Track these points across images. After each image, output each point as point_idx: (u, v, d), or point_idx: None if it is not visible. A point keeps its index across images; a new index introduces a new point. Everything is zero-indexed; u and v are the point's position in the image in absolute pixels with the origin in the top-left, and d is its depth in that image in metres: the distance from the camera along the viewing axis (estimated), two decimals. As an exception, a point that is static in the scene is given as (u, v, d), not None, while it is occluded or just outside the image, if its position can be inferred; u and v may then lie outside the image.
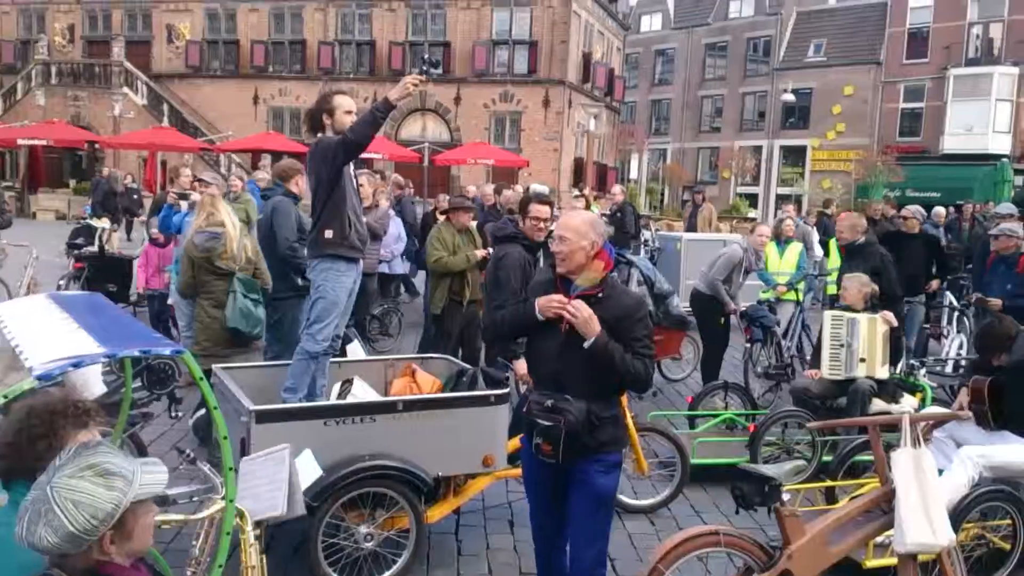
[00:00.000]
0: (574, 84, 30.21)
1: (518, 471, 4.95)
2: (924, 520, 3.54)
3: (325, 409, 4.10)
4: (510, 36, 29.97)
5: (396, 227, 9.46)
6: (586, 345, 3.25)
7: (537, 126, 29.60)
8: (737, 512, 3.74)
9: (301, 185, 6.68)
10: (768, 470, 3.60)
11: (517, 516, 5.18)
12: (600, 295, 3.35)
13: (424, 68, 4.54)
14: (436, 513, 4.39)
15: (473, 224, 7.74)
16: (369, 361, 5.68)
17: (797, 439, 6.12)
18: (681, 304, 8.78)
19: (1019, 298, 7.36)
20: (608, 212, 12.94)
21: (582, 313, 3.24)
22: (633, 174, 36.65)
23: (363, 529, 4.08)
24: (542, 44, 29.49)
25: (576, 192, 17.81)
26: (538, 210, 5.63)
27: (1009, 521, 4.55)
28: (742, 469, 3.75)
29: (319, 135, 4.75)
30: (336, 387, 4.76)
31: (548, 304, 3.31)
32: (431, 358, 5.48)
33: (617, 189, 14.13)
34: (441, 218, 8.51)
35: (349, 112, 4.71)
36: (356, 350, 6.03)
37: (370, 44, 30.98)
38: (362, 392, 4.56)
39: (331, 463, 3.89)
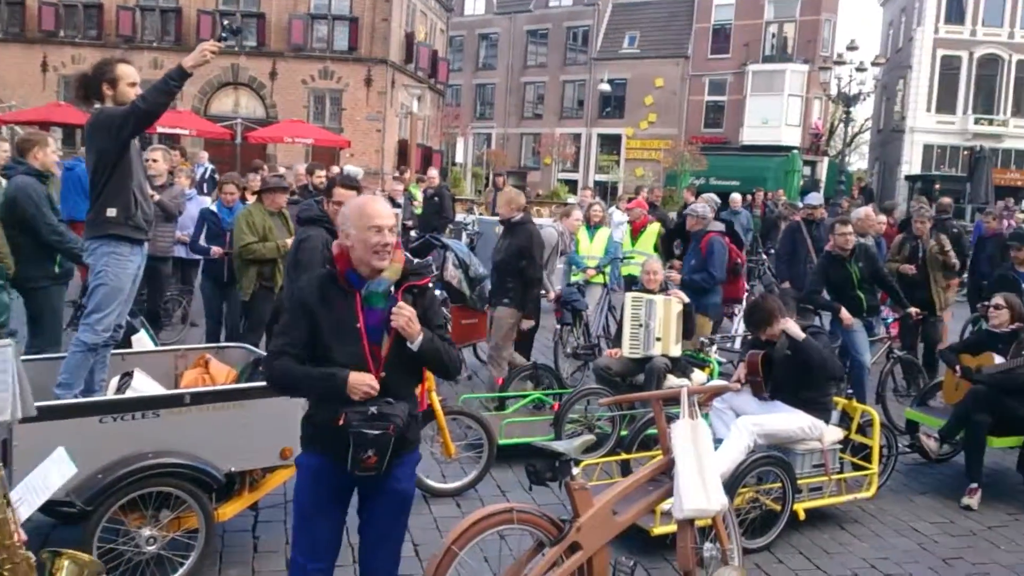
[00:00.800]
0: (397, 64, 29.86)
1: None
2: (700, 487, 3.77)
3: (99, 405, 3.83)
4: (329, 11, 29.18)
5: (196, 207, 8.96)
6: (414, 347, 3.08)
7: (359, 105, 29.05)
8: (530, 489, 3.85)
9: (43, 158, 5.89)
10: (559, 446, 3.72)
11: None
12: (418, 288, 3.19)
13: (223, 35, 4.33)
14: (229, 510, 4.21)
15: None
16: (157, 352, 5.33)
17: (599, 415, 6.37)
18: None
19: (696, 273, 8.10)
20: (425, 195, 12.92)
21: (405, 314, 3.05)
22: (459, 158, 36.77)
23: (145, 532, 3.84)
24: (363, 21, 28.92)
25: (396, 174, 17.64)
26: (341, 193, 5.49)
27: (779, 484, 4.95)
28: (535, 446, 3.86)
29: (99, 105, 4.42)
30: (114, 381, 4.47)
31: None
32: (227, 347, 5.27)
33: (433, 172, 14.11)
34: (252, 199, 8.14)
35: (133, 84, 4.42)
36: (143, 340, 5.65)
37: (176, 11, 29.08)
38: (143, 385, 4.30)
39: (109, 463, 3.65)
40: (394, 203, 12.92)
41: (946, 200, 11.86)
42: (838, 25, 38.47)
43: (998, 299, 6.28)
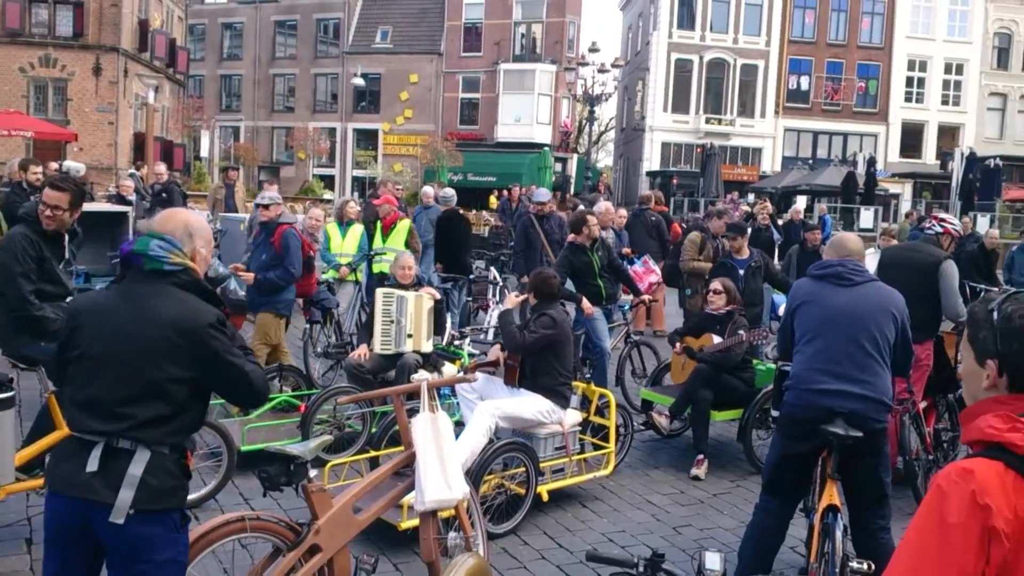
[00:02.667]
0: (130, 52, 27.73)
1: (38, 482, 4.39)
2: (441, 478, 3.78)
3: None
4: (50, -7, 26.59)
5: None
6: None
7: (87, 96, 26.69)
8: (264, 495, 3.66)
9: None
10: (293, 449, 3.57)
11: (37, 533, 4.58)
12: None
13: None
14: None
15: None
16: None
17: (348, 414, 6.24)
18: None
19: (271, 270, 7.38)
20: (152, 191, 12.09)
21: None
22: (204, 151, 34.80)
23: None
24: (89, 5, 26.57)
25: (131, 171, 16.35)
26: (50, 196, 4.93)
27: (523, 469, 5.09)
28: (268, 452, 3.68)
29: None
30: None
31: None
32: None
33: (160, 167, 13.25)
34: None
35: None
36: None
37: None
38: None
39: None
40: (124, 200, 11.97)
41: (647, 193, 13.24)
42: (582, 27, 40.64)
43: (716, 284, 6.87)
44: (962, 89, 40.93)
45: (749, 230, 10.02)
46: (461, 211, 12.10)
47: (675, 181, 33.99)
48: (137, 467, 2.62)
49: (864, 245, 4.58)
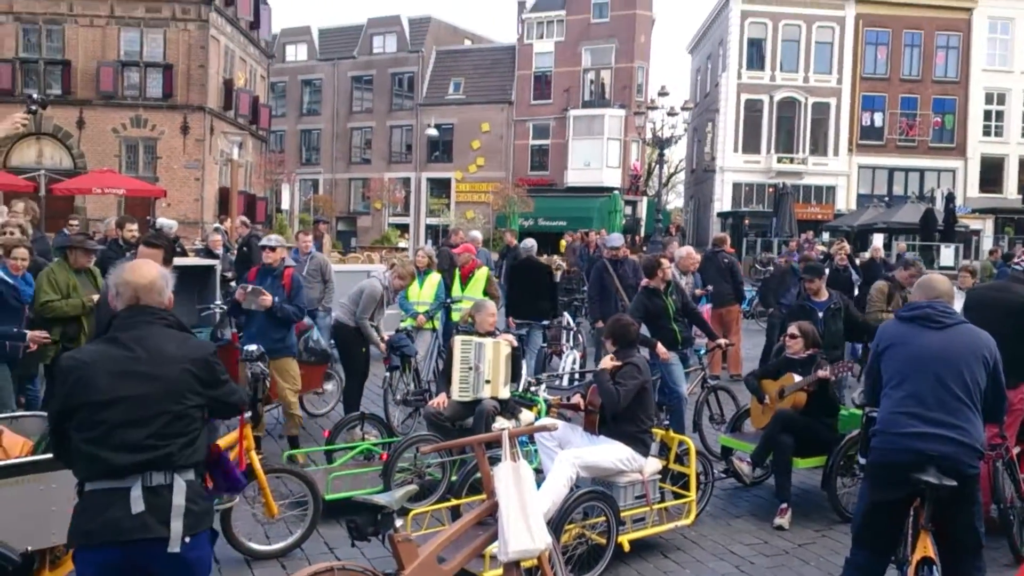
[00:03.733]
0: (215, 111, 28.98)
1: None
2: (524, 528, 3.81)
3: None
4: (141, 58, 27.99)
5: None
6: None
7: (175, 153, 27.91)
8: (352, 545, 3.76)
9: None
10: (380, 499, 3.67)
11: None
12: None
13: (31, 108, 4.17)
14: (27, 591, 3.87)
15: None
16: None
17: (428, 463, 6.33)
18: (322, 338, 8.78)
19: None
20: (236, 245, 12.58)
21: None
22: (284, 204, 35.94)
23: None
24: (178, 67, 27.92)
25: (216, 224, 17.03)
26: (144, 252, 5.23)
27: (604, 518, 5.09)
28: (355, 501, 3.78)
29: None
30: None
31: None
32: (21, 416, 4.86)
33: (239, 221, 13.78)
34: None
35: None
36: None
37: (-30, 58, 27.15)
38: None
39: None
40: (211, 254, 12.47)
41: (720, 235, 13.14)
42: (651, 72, 40.84)
43: (793, 329, 6.77)
44: (1045, 120, 39.59)
45: (827, 271, 9.85)
46: (537, 258, 12.25)
47: (747, 221, 33.68)
48: (179, 497, 2.86)
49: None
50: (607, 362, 5.73)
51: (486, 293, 10.30)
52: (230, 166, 27.89)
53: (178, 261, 9.74)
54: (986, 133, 39.61)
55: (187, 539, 2.85)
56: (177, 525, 2.83)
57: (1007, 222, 37.34)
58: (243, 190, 30.42)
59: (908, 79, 39.45)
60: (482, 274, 10.49)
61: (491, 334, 7.10)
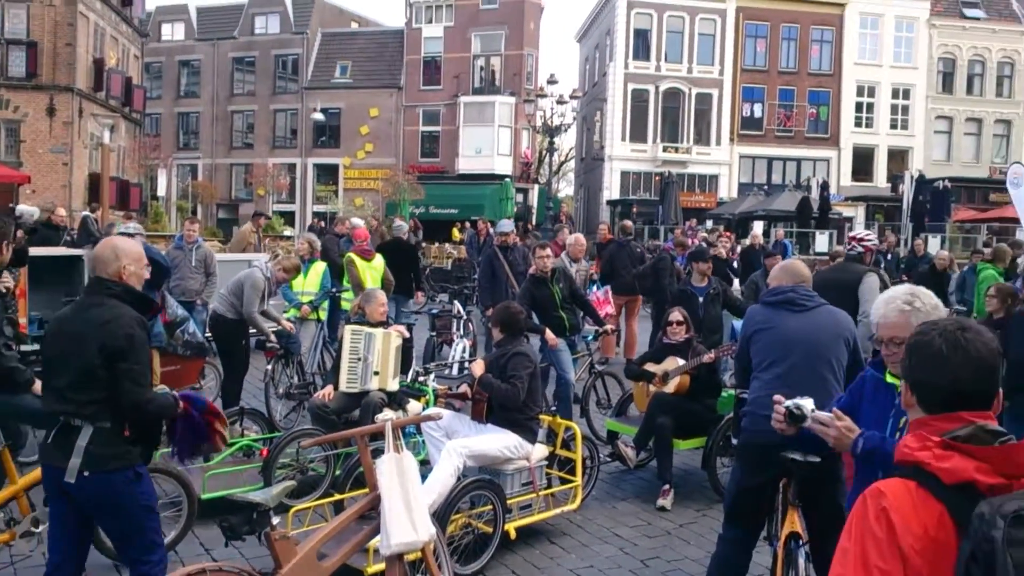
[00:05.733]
0: (84, 92, 27.43)
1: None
2: (406, 520, 3.73)
3: None
4: (2, 34, 26.22)
5: None
6: None
7: (41, 137, 26.29)
8: (225, 545, 3.61)
9: None
10: (256, 496, 3.54)
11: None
12: None
13: None
14: None
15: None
16: None
17: (310, 458, 6.17)
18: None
19: None
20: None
21: None
22: (161, 191, 34.43)
23: None
24: (43, 45, 26.28)
25: (87, 212, 16.14)
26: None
27: (490, 507, 5.07)
28: (229, 500, 3.63)
29: None
30: None
31: None
32: None
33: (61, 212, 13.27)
34: None
35: None
36: None
37: None
38: None
39: None
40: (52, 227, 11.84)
41: (627, 223, 13.22)
42: (540, 60, 41.11)
43: (676, 314, 6.92)
44: (910, 113, 41.92)
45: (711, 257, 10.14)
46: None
47: (635, 209, 34.32)
48: (83, 440, 3.38)
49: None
50: (478, 367, 5.69)
51: (382, 282, 10.11)
52: (101, 151, 26.40)
53: (43, 251, 9.20)
54: (857, 124, 41.58)
55: (86, 473, 3.36)
56: (75, 461, 3.36)
57: (877, 209, 39.34)
58: (115, 176, 28.92)
59: (786, 71, 41.02)
60: (379, 264, 10.28)
61: (382, 324, 6.98)
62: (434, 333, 10.97)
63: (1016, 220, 24.35)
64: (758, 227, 27.95)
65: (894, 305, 2.93)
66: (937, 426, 1.78)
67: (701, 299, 7.95)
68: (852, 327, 4.28)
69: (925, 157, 41.31)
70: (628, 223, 14.13)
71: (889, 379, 3.00)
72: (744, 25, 40.45)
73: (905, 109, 41.99)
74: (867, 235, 7.21)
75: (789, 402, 3.15)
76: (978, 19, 42.48)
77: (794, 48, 41.09)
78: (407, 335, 7.13)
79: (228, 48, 43.09)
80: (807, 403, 3.13)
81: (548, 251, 8.22)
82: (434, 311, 10.87)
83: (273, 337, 8.13)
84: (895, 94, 41.80)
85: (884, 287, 6.13)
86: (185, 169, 42.39)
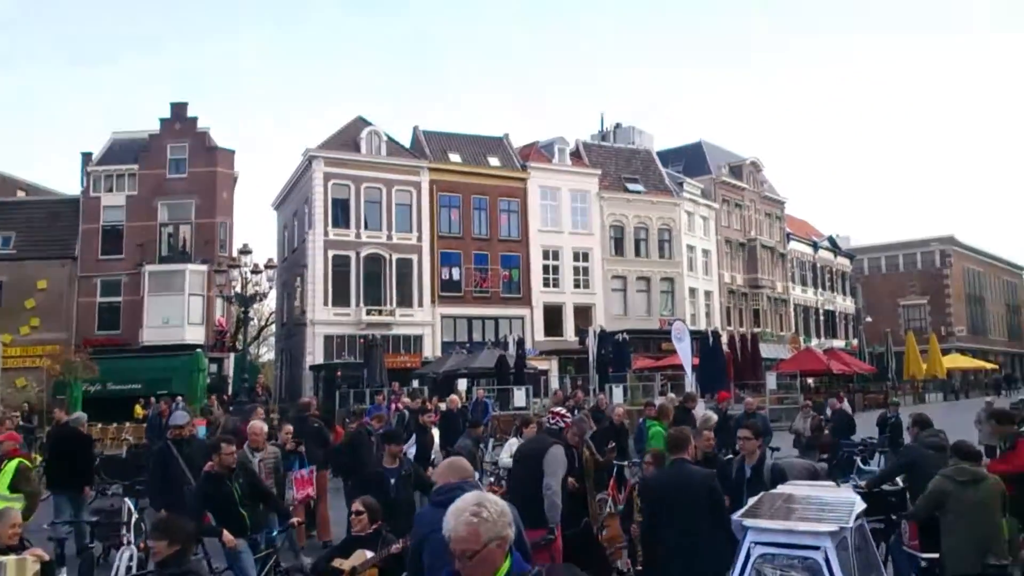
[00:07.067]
0: None
1: None
2: None
3: None
4: None
5: None
6: None
7: None
8: None
9: None
10: None
11: None
12: None
13: None
14: None
15: None
16: None
17: None
18: None
19: None
20: None
21: None
22: None
23: None
24: None
25: None
26: None
27: None
28: None
29: None
30: None
31: None
32: None
33: None
34: None
35: None
36: None
37: None
38: None
39: None
40: None
41: (304, 400, 13.16)
42: (235, 227, 40.03)
43: (357, 505, 6.38)
44: (590, 274, 46.50)
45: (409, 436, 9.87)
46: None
47: (339, 373, 33.61)
48: None
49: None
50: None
51: (14, 488, 8.54)
52: None
53: None
54: (546, 284, 45.12)
55: None
56: None
57: (568, 361, 42.03)
58: None
59: (479, 238, 43.65)
60: (10, 467, 8.70)
61: (14, 549, 5.74)
62: (93, 545, 9.39)
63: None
64: (462, 385, 28.49)
65: (463, 518, 2.83)
66: None
67: (393, 481, 7.51)
68: None
69: (606, 312, 45.44)
70: (305, 400, 13.85)
71: None
72: (438, 196, 42.80)
73: (586, 270, 46.43)
74: (561, 410, 8.24)
75: None
76: (639, 192, 48.82)
77: (485, 217, 44.05)
78: (47, 558, 5.90)
79: None
80: None
81: (233, 448, 7.50)
82: (95, 520, 9.35)
83: None
84: (576, 256, 46.13)
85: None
86: None
